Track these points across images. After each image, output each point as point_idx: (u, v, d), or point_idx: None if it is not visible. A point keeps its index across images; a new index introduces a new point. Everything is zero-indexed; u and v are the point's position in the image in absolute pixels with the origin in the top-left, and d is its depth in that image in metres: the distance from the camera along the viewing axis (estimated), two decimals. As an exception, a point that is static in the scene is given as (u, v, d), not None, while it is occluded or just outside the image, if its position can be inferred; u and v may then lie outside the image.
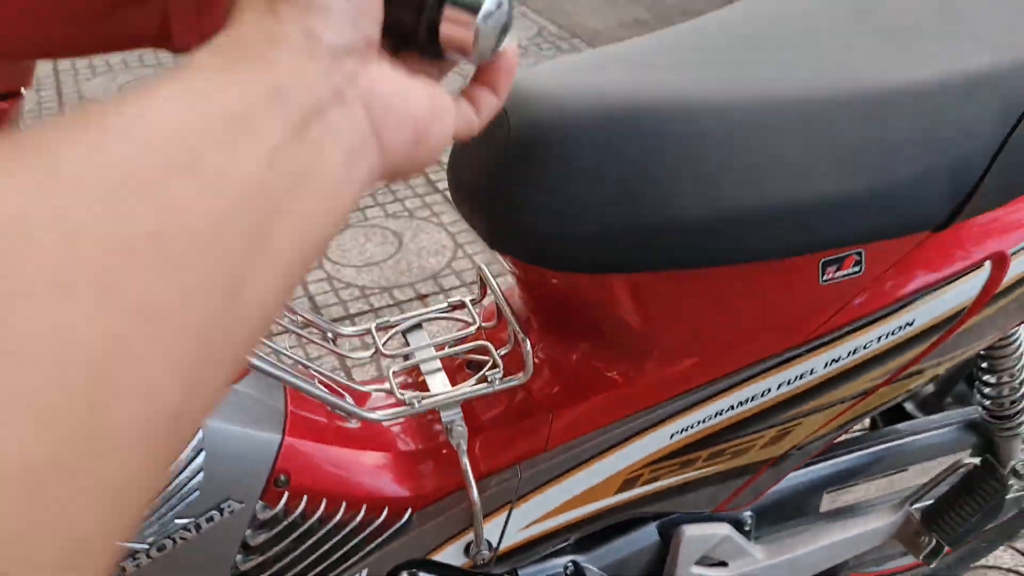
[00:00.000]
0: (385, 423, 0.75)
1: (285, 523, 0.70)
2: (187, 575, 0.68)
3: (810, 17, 0.75)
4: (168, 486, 0.63)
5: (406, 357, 0.79)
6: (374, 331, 0.80)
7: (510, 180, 0.65)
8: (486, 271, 0.82)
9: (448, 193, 2.46)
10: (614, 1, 3.53)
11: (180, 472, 0.64)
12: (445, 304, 0.83)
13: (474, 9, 0.38)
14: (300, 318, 0.78)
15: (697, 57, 0.70)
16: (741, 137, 0.64)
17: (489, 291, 0.82)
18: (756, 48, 0.71)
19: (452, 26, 0.38)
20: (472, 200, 0.69)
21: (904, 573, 1.20)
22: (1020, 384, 0.93)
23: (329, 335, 0.81)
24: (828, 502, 0.94)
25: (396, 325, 0.81)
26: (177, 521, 0.65)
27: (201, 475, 0.65)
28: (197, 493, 0.65)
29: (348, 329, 0.81)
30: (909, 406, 1.07)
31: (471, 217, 0.71)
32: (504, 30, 0.41)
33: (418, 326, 0.82)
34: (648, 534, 0.86)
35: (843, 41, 0.71)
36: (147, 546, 0.64)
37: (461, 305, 0.83)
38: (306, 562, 0.72)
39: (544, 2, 3.53)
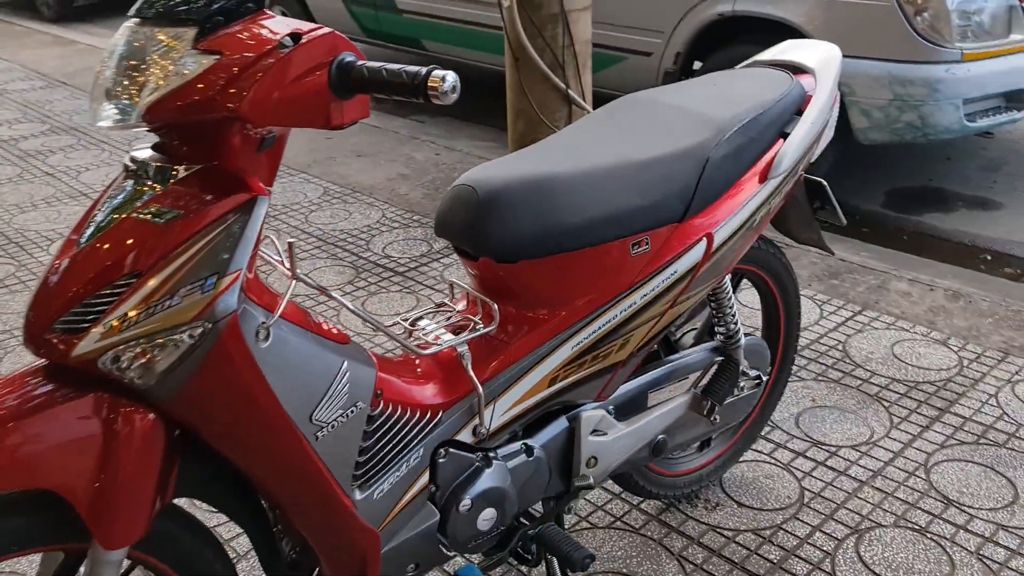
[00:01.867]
0: (423, 358, 1.35)
1: (380, 419, 1.27)
2: (342, 444, 1.21)
3: (608, 128, 1.51)
4: (337, 389, 1.19)
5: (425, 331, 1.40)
6: (400, 320, 1.41)
7: (481, 220, 1.32)
8: (455, 280, 1.46)
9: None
10: (377, 163, 4.28)
11: (340, 383, 1.20)
12: (434, 304, 1.46)
13: (447, 82, 0.97)
14: (362, 315, 1.37)
15: (564, 149, 1.43)
16: (588, 186, 1.36)
17: (456, 291, 1.46)
18: (590, 143, 1.46)
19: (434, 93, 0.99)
20: (458, 234, 1.35)
21: (695, 472, 1.93)
22: (733, 316, 1.70)
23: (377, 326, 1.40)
24: (652, 399, 1.63)
25: (410, 318, 1.42)
26: (339, 410, 1.20)
27: (348, 385, 1.21)
28: (347, 395, 1.21)
29: (388, 321, 1.40)
30: (688, 341, 1.81)
31: (457, 241, 1.36)
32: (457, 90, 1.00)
33: (421, 317, 1.43)
34: (562, 422, 1.49)
35: (624, 138, 1.47)
36: (327, 423, 1.19)
37: (443, 304, 1.46)
38: (390, 445, 1.28)
39: (321, 169, 4.21)
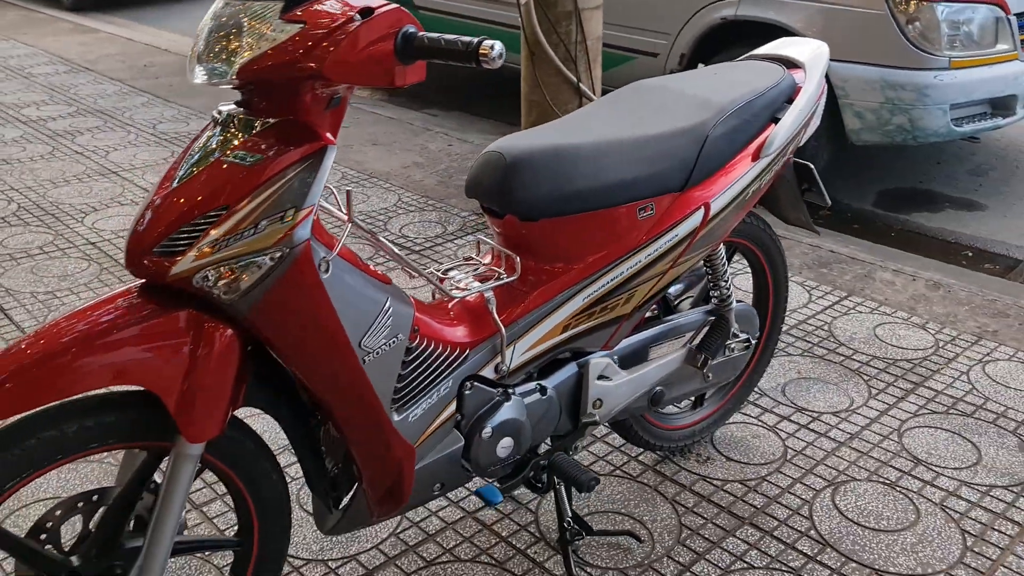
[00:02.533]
0: (454, 302, 1.54)
1: (416, 352, 1.46)
2: (385, 370, 1.40)
3: (618, 108, 1.71)
4: (381, 321, 1.38)
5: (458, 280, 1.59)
6: (432, 270, 1.60)
7: (508, 182, 1.51)
8: (483, 237, 1.65)
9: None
10: (392, 151, 4.48)
11: (384, 316, 1.39)
12: (462, 258, 1.65)
13: (495, 50, 1.18)
14: (403, 259, 1.56)
15: (581, 124, 1.63)
16: (602, 155, 1.56)
17: (482, 247, 1.65)
18: (603, 120, 1.65)
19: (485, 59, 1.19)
20: (486, 194, 1.54)
21: (689, 427, 2.12)
22: (726, 281, 1.90)
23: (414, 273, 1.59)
24: (652, 353, 1.83)
25: (441, 268, 1.62)
26: (383, 340, 1.39)
27: (391, 319, 1.40)
28: (389, 327, 1.40)
29: (426, 271, 1.60)
30: (685, 307, 2.01)
31: (485, 201, 1.55)
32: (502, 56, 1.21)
33: (451, 268, 1.63)
34: (572, 367, 1.68)
35: (633, 117, 1.66)
36: (373, 350, 1.38)
37: (470, 257, 1.65)
38: (424, 375, 1.47)
39: (338, 156, 4.40)
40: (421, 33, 1.18)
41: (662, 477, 2.08)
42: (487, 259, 1.65)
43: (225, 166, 1.20)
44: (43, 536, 1.31)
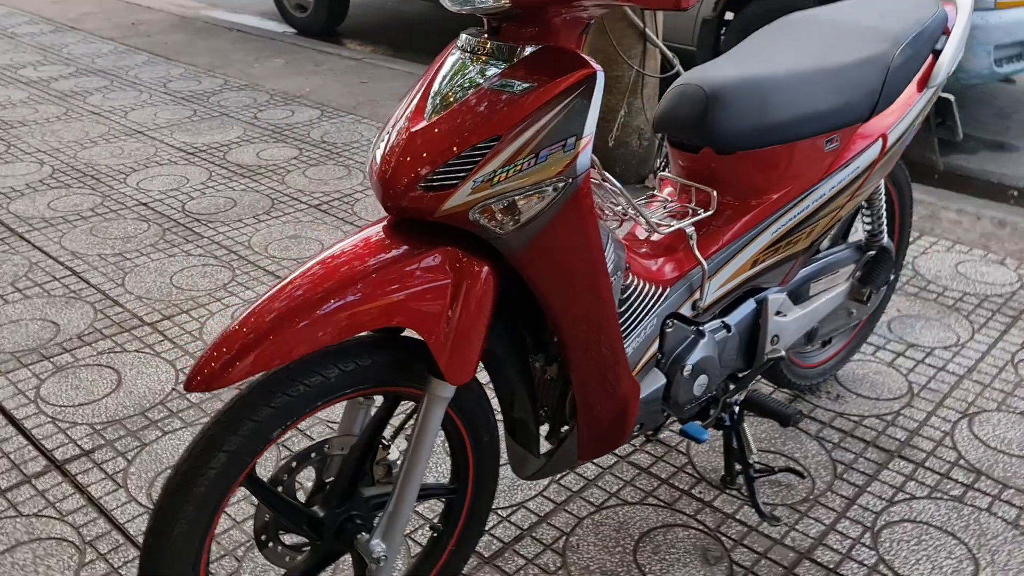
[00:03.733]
0: (649, 240, 1.51)
1: (629, 290, 1.42)
2: None
3: (791, 40, 1.67)
4: (607, 255, 1.34)
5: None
6: (635, 203, 1.56)
7: (708, 114, 1.47)
8: (667, 174, 1.62)
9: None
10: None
11: (609, 250, 1.35)
12: (645, 196, 1.62)
13: None
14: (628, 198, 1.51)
15: (765, 56, 1.59)
16: (796, 86, 1.53)
17: (660, 182, 1.62)
18: (783, 51, 1.62)
19: None
20: (682, 127, 1.51)
21: (821, 365, 2.12)
22: (881, 215, 1.89)
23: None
24: (813, 289, 1.82)
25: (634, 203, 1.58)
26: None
27: (612, 255, 1.36)
28: (612, 263, 1.36)
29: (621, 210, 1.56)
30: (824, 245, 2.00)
31: (680, 135, 1.52)
32: None
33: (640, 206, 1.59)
34: (751, 304, 1.66)
35: (812, 48, 1.63)
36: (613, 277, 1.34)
37: (653, 194, 1.62)
38: (635, 312, 1.44)
39: (368, 110, 4.30)
40: None
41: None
42: (666, 192, 1.62)
43: (491, 95, 1.15)
44: (279, 488, 1.27)
